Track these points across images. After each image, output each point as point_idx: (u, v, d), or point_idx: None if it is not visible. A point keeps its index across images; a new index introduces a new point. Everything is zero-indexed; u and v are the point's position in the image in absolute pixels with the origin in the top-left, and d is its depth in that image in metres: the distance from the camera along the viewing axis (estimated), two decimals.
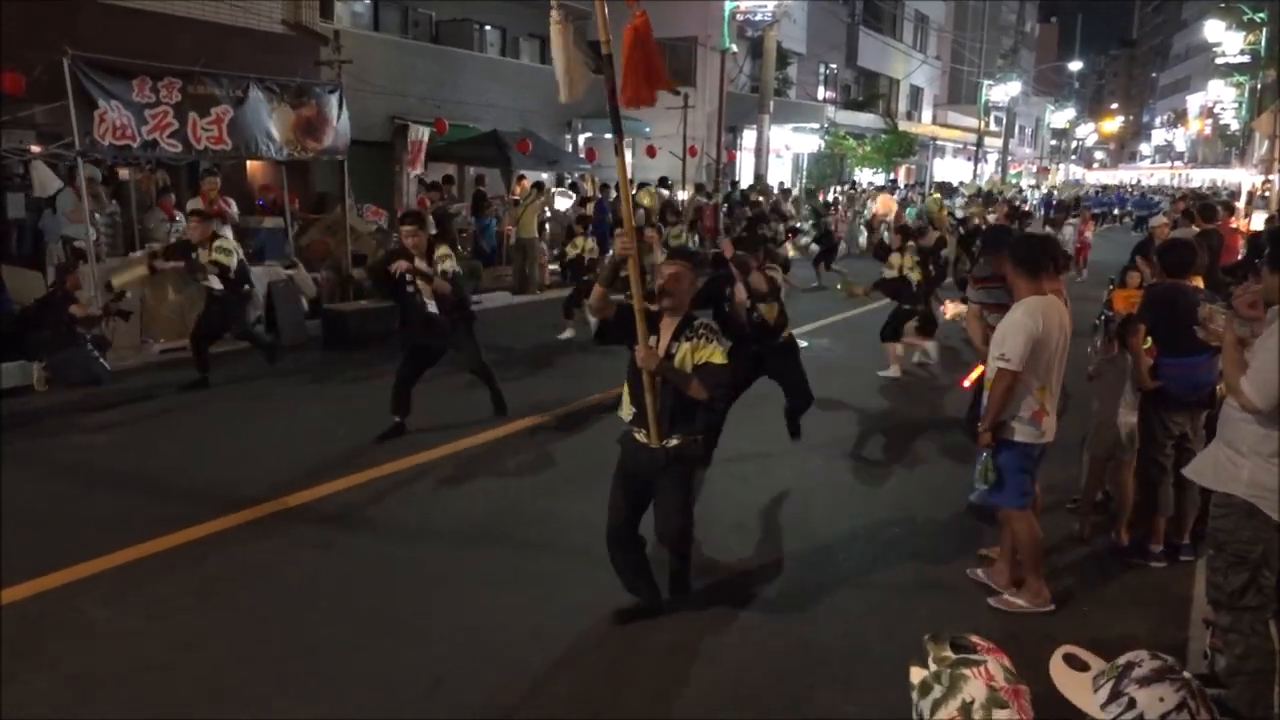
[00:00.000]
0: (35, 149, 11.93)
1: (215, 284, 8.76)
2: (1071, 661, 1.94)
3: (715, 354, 4.21)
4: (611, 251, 14.67)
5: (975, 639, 2.03)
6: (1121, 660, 1.85)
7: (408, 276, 7.12)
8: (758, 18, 24.03)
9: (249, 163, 15.05)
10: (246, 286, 9.12)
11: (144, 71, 10.14)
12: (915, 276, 10.00)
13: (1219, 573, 3.79)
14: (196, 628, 4.47)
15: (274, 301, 11.25)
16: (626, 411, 4.41)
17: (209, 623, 4.53)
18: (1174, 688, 1.77)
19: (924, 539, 5.74)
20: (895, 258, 10.24)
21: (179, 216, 12.23)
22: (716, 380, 4.21)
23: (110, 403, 8.35)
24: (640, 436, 4.35)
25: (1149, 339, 5.40)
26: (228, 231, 10.95)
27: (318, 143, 11.88)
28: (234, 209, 12.42)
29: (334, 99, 12.02)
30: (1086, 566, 5.42)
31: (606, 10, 4.34)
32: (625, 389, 4.42)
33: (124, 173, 12.80)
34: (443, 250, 7.27)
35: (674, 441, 4.29)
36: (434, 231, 15.68)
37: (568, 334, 11.89)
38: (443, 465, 6.89)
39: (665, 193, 20.95)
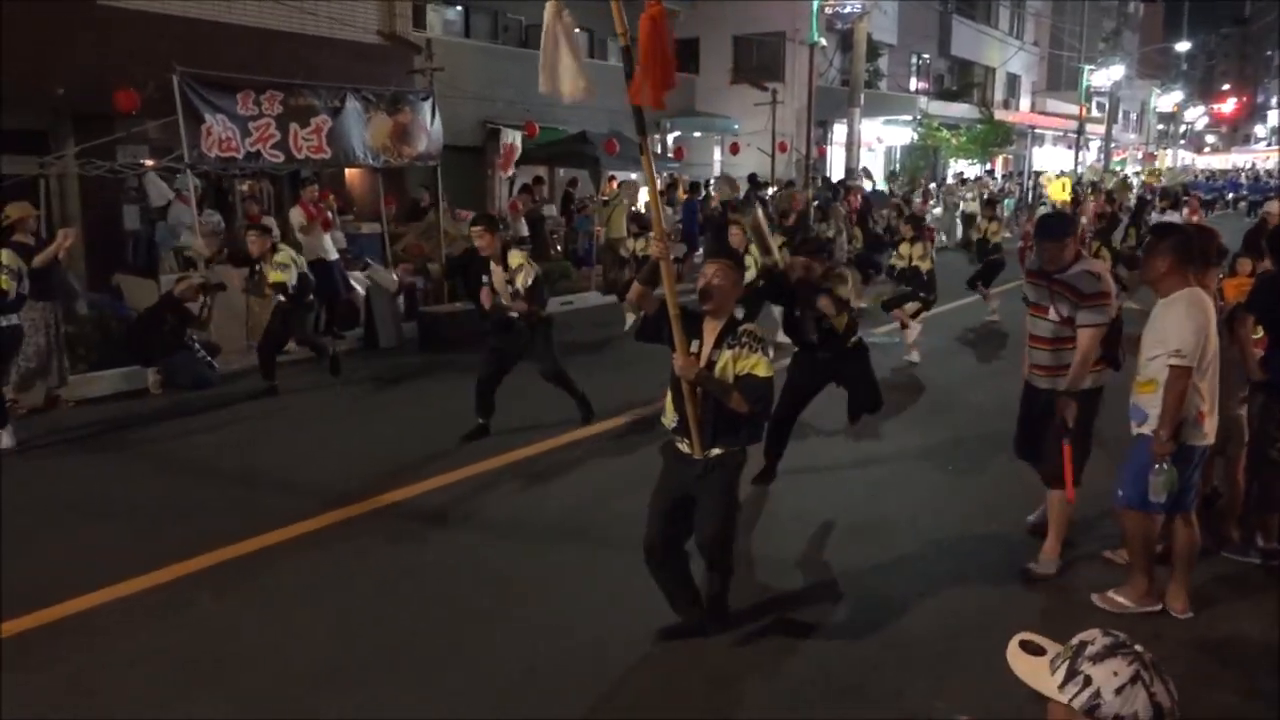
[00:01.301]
0: (149, 163, 12.52)
1: (279, 296, 8.95)
2: (1027, 647, 1.94)
3: (759, 365, 3.97)
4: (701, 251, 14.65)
5: None
6: (1075, 640, 1.87)
7: (484, 279, 7.06)
8: (847, 10, 23.70)
9: (347, 170, 15.49)
10: (310, 297, 9.16)
11: (248, 85, 10.53)
12: (925, 266, 10.22)
13: None
14: (303, 621, 4.65)
15: (371, 305, 11.57)
16: (669, 419, 4.22)
17: (315, 615, 4.70)
18: (1126, 661, 1.78)
19: (1019, 538, 5.58)
20: (905, 247, 10.73)
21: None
22: (758, 394, 3.98)
23: (219, 404, 8.73)
24: (683, 446, 4.16)
25: (1259, 329, 5.18)
26: (329, 235, 11.34)
27: (412, 149, 12.17)
28: (333, 215, 12.78)
29: (427, 106, 12.30)
30: (1194, 562, 5.22)
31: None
32: (668, 395, 4.22)
33: (244, 186, 13.28)
34: (517, 259, 7.09)
35: (716, 452, 4.08)
36: (526, 233, 16.03)
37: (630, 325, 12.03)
38: (531, 464, 7.01)
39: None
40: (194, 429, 8.02)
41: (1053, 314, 4.89)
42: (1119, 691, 1.75)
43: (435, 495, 6.37)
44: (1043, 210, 19.34)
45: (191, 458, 7.28)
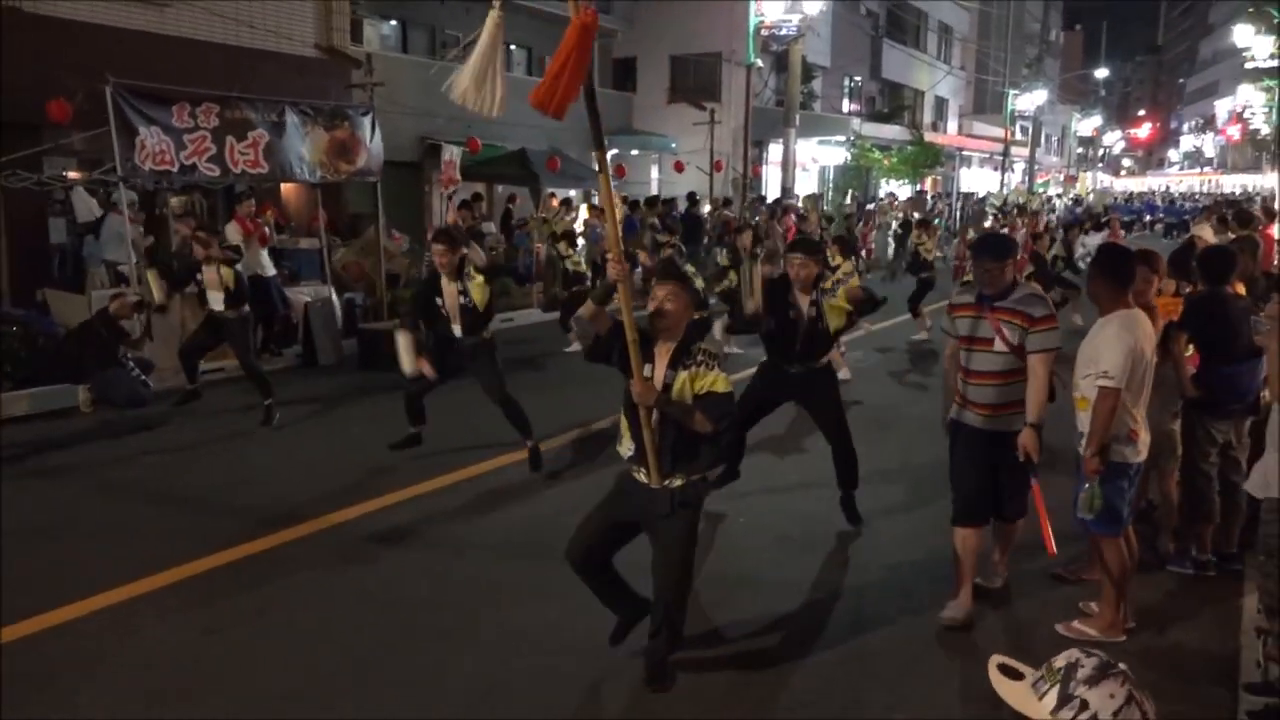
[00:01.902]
0: (74, 175, 12.19)
1: (217, 304, 8.37)
2: (1005, 671, 1.93)
3: (718, 382, 3.83)
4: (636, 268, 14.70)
5: None
6: (1058, 663, 1.86)
7: (438, 300, 6.88)
8: (783, 32, 24.08)
9: (283, 185, 15.26)
10: (246, 308, 8.58)
11: (183, 97, 10.33)
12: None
13: (1272, 579, 3.77)
14: (253, 641, 4.56)
15: (310, 322, 11.39)
16: (625, 447, 4.01)
17: (265, 636, 4.61)
18: (1119, 682, 1.79)
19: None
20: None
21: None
22: (721, 411, 3.82)
23: (155, 423, 8.50)
24: (640, 476, 3.97)
25: (1190, 346, 5.37)
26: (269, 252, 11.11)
27: (351, 165, 12.02)
28: (270, 231, 12.56)
29: (366, 121, 12.17)
30: (1132, 577, 5.38)
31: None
32: (623, 422, 4.03)
33: (172, 200, 12.96)
34: (477, 278, 6.89)
35: (677, 482, 3.91)
36: (466, 250, 15.93)
37: (574, 346, 12.16)
38: (483, 481, 6.97)
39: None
40: (134, 448, 7.80)
41: (999, 344, 4.54)
42: (1117, 714, 1.77)
43: (387, 514, 6.28)
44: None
45: (135, 477, 7.09)
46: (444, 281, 6.89)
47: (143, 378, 9.28)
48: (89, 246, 12.07)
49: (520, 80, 22.07)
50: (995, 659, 1.97)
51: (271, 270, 11.47)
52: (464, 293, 6.84)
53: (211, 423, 8.55)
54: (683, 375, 3.87)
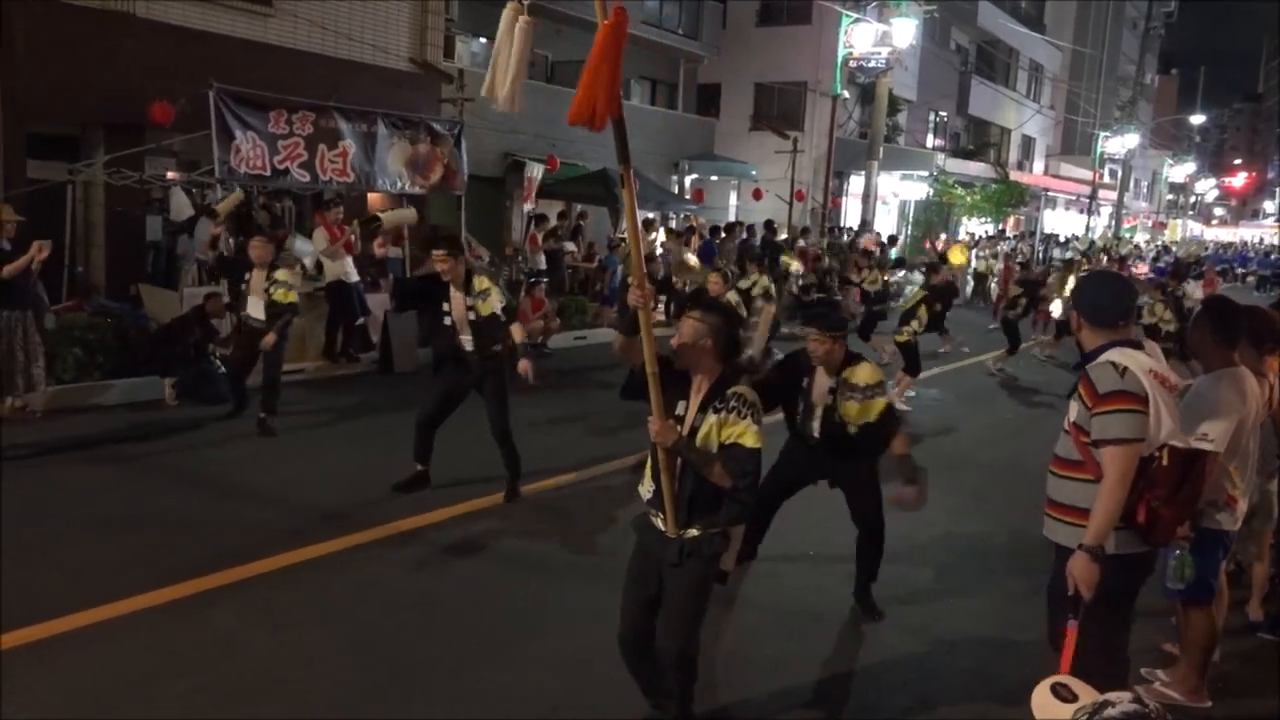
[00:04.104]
0: (172, 175, 12.59)
1: (258, 316, 8.41)
2: (1059, 692, 1.91)
3: (746, 434, 3.45)
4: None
5: None
6: (1102, 697, 1.83)
7: (445, 307, 6.54)
8: (871, 64, 23.95)
9: (370, 194, 15.57)
10: (289, 328, 8.64)
11: (281, 105, 10.62)
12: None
13: None
14: (319, 643, 4.61)
15: (388, 329, 11.57)
16: (645, 489, 3.71)
17: (331, 639, 4.66)
18: None
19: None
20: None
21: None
22: (743, 467, 3.44)
23: (233, 420, 8.69)
24: (657, 521, 3.67)
25: None
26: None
27: (438, 177, 12.23)
28: (356, 239, 12.77)
29: (455, 135, 12.38)
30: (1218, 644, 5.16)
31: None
32: (649, 460, 3.70)
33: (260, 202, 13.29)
34: (483, 283, 6.58)
35: (693, 532, 3.56)
36: (544, 267, 16.07)
37: None
38: (548, 498, 6.99)
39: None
40: (213, 441, 8.00)
41: (1066, 420, 3.53)
42: None
43: (451, 524, 6.33)
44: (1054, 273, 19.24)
45: (204, 473, 7.24)
46: (452, 291, 6.56)
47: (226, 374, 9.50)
48: (183, 245, 12.44)
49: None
50: (1055, 678, 1.94)
51: (355, 276, 11.69)
52: (472, 307, 6.53)
53: (287, 423, 8.70)
54: (711, 419, 3.49)
